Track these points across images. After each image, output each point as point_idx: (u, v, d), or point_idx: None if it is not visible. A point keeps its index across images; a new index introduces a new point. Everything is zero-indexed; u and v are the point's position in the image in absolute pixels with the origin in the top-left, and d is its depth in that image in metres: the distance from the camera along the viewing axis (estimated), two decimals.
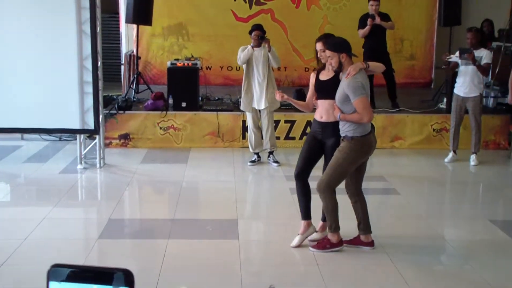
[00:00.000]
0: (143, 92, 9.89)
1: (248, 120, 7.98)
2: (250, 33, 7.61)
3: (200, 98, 9.29)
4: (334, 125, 4.99)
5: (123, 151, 8.63)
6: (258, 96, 7.66)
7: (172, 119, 8.82)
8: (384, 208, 6.67)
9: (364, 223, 5.12)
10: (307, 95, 5.48)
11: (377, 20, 8.92)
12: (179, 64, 9.11)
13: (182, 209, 6.17)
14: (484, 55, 7.83)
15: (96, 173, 7.59)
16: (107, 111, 8.59)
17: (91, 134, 7.80)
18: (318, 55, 5.13)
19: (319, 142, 5.13)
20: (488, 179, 7.76)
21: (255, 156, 7.99)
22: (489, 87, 9.78)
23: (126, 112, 8.83)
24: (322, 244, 5.04)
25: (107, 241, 5.33)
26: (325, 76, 5.16)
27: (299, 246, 5.14)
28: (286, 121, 8.90)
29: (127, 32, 11.83)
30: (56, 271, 1.25)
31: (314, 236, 5.21)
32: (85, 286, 1.24)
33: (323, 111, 5.08)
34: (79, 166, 7.65)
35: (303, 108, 5.49)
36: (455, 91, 8.14)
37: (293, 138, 8.90)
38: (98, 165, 7.69)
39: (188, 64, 9.13)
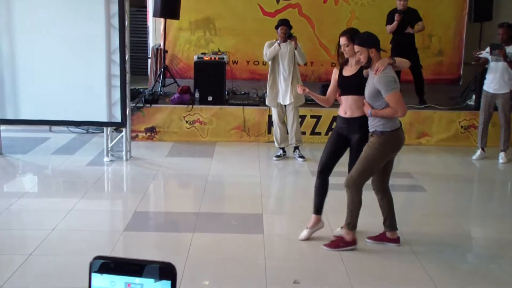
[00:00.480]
0: (169, 86, 9.93)
1: (273, 115, 7.97)
2: (276, 28, 7.59)
3: (226, 93, 9.30)
4: (359, 120, 4.95)
5: (149, 144, 8.68)
6: (283, 91, 7.65)
7: (198, 113, 8.85)
8: (410, 205, 6.61)
9: (390, 220, 5.07)
10: (328, 90, 5.45)
11: (409, 30, 8.89)
12: (205, 58, 9.13)
13: (207, 203, 6.18)
14: None
15: (123, 166, 7.65)
16: (134, 104, 8.65)
17: (118, 127, 7.86)
18: (342, 50, 5.08)
19: (344, 138, 5.10)
20: None
21: (281, 151, 7.98)
22: None
23: (153, 105, 8.88)
24: (336, 243, 5.00)
25: (132, 233, 5.36)
26: (348, 72, 5.11)
27: (307, 239, 5.15)
28: (312, 116, 8.87)
29: (154, 26, 11.87)
30: (98, 263, 1.27)
31: (338, 231, 5.19)
32: (128, 278, 1.25)
33: (347, 107, 5.04)
34: (105, 159, 7.72)
35: (323, 103, 5.46)
36: (485, 87, 8.04)
37: (319, 134, 8.87)
38: (124, 158, 7.75)
39: (214, 58, 9.14)
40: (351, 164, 5.02)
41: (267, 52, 7.57)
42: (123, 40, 7.34)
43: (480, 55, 8.07)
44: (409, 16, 8.98)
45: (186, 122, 8.86)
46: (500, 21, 8.34)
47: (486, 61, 7.97)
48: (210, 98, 8.88)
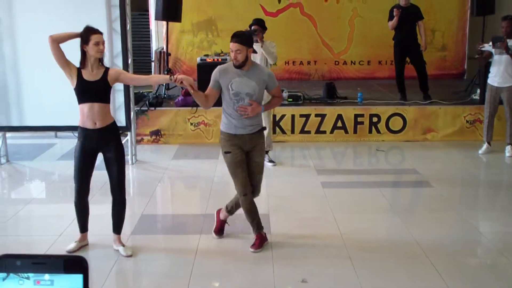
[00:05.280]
0: (173, 89, 9.94)
1: None
2: (249, 26, 7.22)
3: None
4: (111, 127, 4.86)
5: (155, 147, 8.70)
6: None
7: (202, 115, 8.85)
8: (417, 201, 6.59)
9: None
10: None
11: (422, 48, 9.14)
12: (208, 60, 9.14)
13: (213, 204, 6.17)
14: None
15: (128, 170, 7.62)
16: (138, 108, 8.66)
17: (122, 131, 7.84)
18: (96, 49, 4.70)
19: (94, 152, 4.95)
20: None
21: None
22: None
23: (157, 108, 8.90)
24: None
25: (139, 236, 5.37)
26: (90, 76, 4.81)
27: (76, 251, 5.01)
28: (316, 115, 8.84)
29: (157, 29, 11.91)
30: (6, 262, 1.25)
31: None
32: (37, 275, 1.23)
33: (95, 116, 4.74)
34: None
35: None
36: (489, 81, 8.01)
37: (324, 132, 8.83)
38: (130, 162, 7.75)
39: (217, 59, 9.14)
40: (111, 177, 4.98)
41: None
42: (126, 44, 7.36)
43: (483, 49, 8.04)
44: (410, 12, 8.96)
45: (191, 124, 8.86)
46: (503, 14, 8.32)
47: (490, 55, 7.94)
48: None
